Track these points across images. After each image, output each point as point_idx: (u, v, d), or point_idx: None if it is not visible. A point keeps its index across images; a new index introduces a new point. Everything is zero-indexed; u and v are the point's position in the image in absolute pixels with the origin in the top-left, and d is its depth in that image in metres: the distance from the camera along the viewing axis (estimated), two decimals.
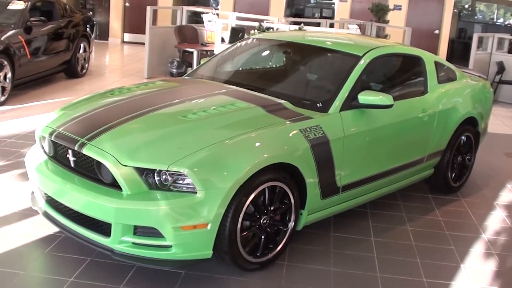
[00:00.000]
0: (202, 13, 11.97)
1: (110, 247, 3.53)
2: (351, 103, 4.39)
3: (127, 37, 16.67)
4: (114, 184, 3.53)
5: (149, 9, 10.78)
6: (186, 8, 12.33)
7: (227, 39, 10.01)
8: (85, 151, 3.62)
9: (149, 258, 3.51)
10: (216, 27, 10.01)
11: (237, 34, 9.78)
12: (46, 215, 3.98)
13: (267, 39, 5.69)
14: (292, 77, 5.18)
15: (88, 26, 10.93)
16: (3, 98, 7.93)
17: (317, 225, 4.50)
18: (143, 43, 11.47)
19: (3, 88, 7.94)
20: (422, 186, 5.77)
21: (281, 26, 9.89)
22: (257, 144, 3.79)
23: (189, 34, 11.47)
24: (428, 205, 5.42)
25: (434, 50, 14.47)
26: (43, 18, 9.17)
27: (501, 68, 11.54)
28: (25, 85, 8.85)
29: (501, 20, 17.72)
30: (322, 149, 4.07)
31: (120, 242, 3.49)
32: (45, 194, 3.96)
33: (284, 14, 15.43)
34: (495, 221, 5.20)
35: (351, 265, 4.12)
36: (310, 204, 4.10)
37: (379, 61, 4.86)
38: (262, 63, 5.63)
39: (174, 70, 10.66)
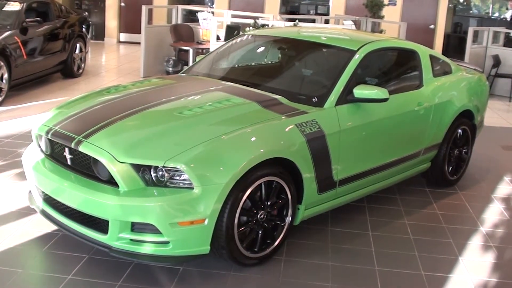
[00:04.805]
0: (198, 11, 11.96)
1: (108, 244, 3.54)
2: (346, 97, 4.39)
3: (123, 37, 16.66)
4: (111, 181, 3.54)
5: (144, 9, 10.77)
6: (181, 7, 12.31)
7: (222, 37, 10.01)
8: (82, 148, 3.63)
9: (147, 255, 3.51)
10: (211, 25, 10.01)
11: (232, 32, 9.77)
12: (44, 213, 3.98)
13: (262, 35, 5.69)
14: (288, 72, 5.19)
15: (83, 26, 10.93)
16: (0, 99, 7.93)
17: (315, 219, 4.51)
18: (139, 43, 11.46)
19: (0, 89, 7.94)
20: (419, 180, 5.77)
21: (276, 23, 9.89)
22: (253, 139, 3.79)
23: (184, 32, 11.47)
24: (426, 199, 5.43)
25: (430, 45, 14.46)
26: (38, 19, 9.19)
27: (496, 61, 11.55)
28: (22, 86, 8.86)
29: (497, 14, 17.73)
30: (318, 144, 4.08)
31: (117, 239, 3.49)
32: (43, 192, 3.97)
33: (279, 12, 15.44)
34: (492, 214, 5.21)
35: (349, 259, 4.13)
36: (307, 199, 4.11)
37: (374, 55, 4.86)
38: (257, 59, 5.63)
39: (170, 69, 10.66)
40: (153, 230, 3.44)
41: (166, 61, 10.85)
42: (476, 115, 5.84)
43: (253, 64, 5.57)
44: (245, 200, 3.66)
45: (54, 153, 3.99)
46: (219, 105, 4.14)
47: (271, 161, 3.77)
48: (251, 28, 9.11)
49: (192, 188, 3.45)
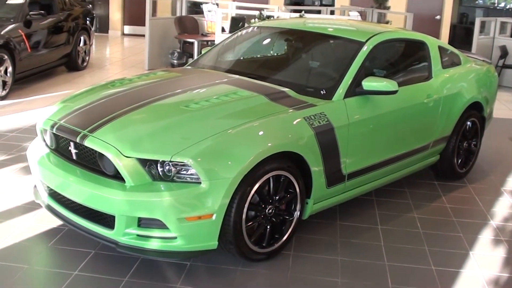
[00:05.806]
0: (202, 3, 11.89)
1: (114, 239, 3.49)
2: (355, 89, 4.33)
3: (127, 29, 16.61)
4: (117, 176, 3.49)
5: (148, 1, 10.71)
6: None
7: (227, 29, 9.95)
8: (87, 143, 3.58)
9: (154, 250, 3.47)
10: (216, 17, 9.94)
11: (237, 23, 9.70)
12: (49, 208, 3.94)
13: (268, 27, 5.63)
14: (295, 64, 5.13)
15: (88, 19, 10.89)
16: (4, 93, 7.91)
17: (323, 214, 4.46)
18: (143, 35, 11.42)
19: (4, 83, 7.91)
20: (428, 173, 5.71)
21: (281, 14, 9.82)
22: (261, 133, 3.73)
23: (189, 24, 11.41)
24: (435, 192, 5.37)
25: (436, 36, 14.35)
26: (42, 11, 9.15)
27: (504, 52, 11.45)
28: (26, 79, 8.83)
29: (503, 4, 17.58)
30: (326, 137, 4.02)
31: (124, 234, 3.45)
32: (48, 187, 3.93)
33: (284, 3, 15.35)
34: (502, 207, 5.15)
35: (358, 254, 4.08)
36: (315, 193, 4.06)
37: (382, 46, 4.79)
38: (264, 51, 5.57)
39: (175, 61, 10.60)
40: (160, 225, 3.40)
41: (170, 54, 10.79)
42: (485, 107, 5.77)
43: (259, 56, 5.51)
44: (253, 195, 3.61)
45: (59, 148, 3.95)
46: (226, 98, 4.08)
47: (279, 155, 3.72)
48: (256, 19, 9.04)
49: (200, 183, 3.40)
